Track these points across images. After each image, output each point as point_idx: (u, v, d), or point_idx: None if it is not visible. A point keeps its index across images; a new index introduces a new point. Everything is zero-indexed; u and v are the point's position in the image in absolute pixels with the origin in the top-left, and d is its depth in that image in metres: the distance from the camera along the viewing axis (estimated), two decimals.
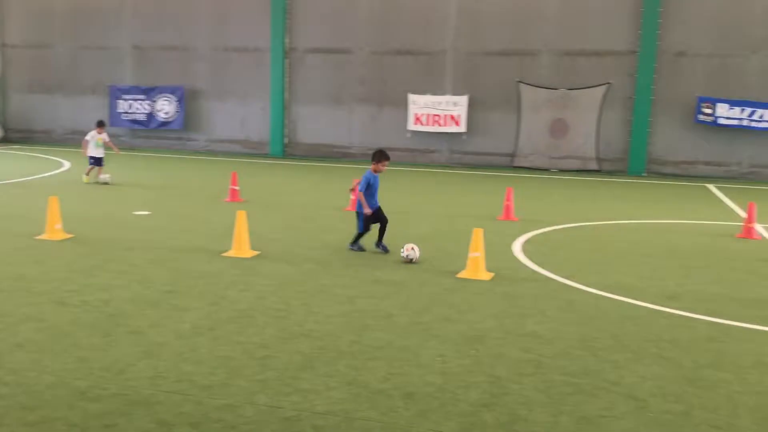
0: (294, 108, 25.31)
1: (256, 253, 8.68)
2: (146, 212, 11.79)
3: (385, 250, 8.95)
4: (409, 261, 8.41)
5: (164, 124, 25.89)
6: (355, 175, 16.77)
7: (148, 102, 25.94)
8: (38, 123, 27.25)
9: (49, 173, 17.19)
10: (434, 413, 4.24)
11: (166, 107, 25.80)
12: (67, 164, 19.24)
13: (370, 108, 24.60)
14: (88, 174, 15.44)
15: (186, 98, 25.79)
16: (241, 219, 8.68)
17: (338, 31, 24.43)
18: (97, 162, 15.43)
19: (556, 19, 22.44)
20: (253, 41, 25.20)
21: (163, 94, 25.83)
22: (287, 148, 25.52)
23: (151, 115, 25.93)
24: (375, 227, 9.07)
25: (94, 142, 15.47)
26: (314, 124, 25.15)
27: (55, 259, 8.18)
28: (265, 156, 25.37)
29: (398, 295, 6.95)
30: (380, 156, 9.07)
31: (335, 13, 24.39)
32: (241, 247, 8.63)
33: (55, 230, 9.30)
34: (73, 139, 26.13)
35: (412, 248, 8.45)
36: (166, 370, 4.84)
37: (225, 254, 8.57)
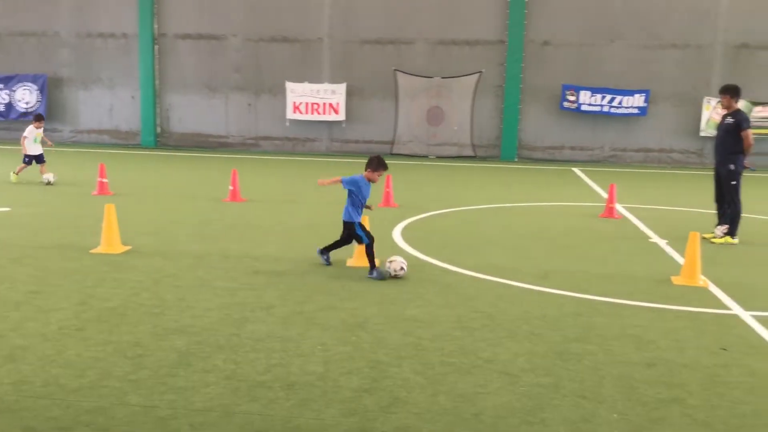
0: (166, 96, 24.44)
1: (127, 248, 8.32)
2: (6, 208, 11.03)
3: (327, 262, 7.79)
4: (395, 275, 7.30)
5: (25, 114, 24.28)
6: (234, 165, 16.44)
7: (6, 91, 24.25)
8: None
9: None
10: (315, 402, 4.24)
11: (26, 97, 24.21)
12: None
13: (246, 96, 24.16)
14: (18, 173, 14.09)
15: (48, 87, 24.29)
16: (110, 213, 8.29)
17: (210, 17, 23.78)
18: (37, 159, 14.07)
19: (429, 9, 22.89)
20: (119, 27, 24.10)
21: (23, 83, 24.22)
22: (160, 138, 24.64)
23: (9, 105, 24.25)
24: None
25: (33, 138, 14.05)
26: (188, 113, 24.42)
27: None
28: (137, 146, 24.38)
29: (279, 286, 6.89)
30: (378, 164, 7.56)
31: None
32: (111, 243, 8.24)
33: None
34: None
35: (402, 267, 7.28)
36: (32, 374, 4.56)
37: (94, 251, 8.16)
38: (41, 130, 14.32)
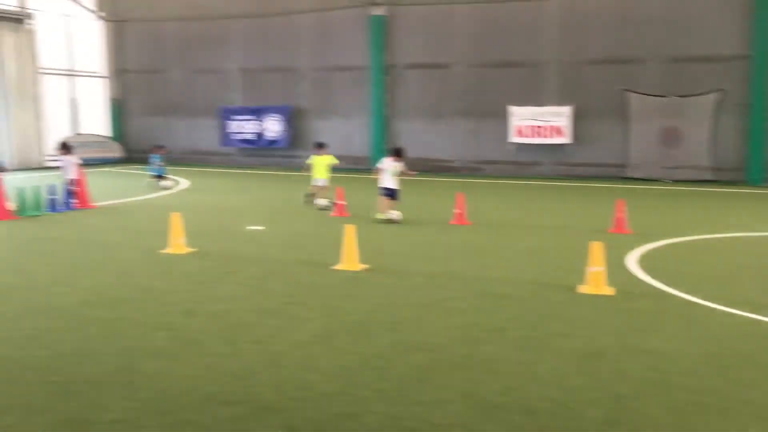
0: (395, 123, 25.63)
1: (365, 266, 8.82)
2: (260, 227, 12.20)
3: None
4: None
5: (272, 142, 26.97)
6: (459, 188, 16.73)
7: (258, 122, 27.07)
8: (156, 144, 28.76)
9: (168, 191, 18.13)
10: (557, 431, 4.19)
11: (274, 126, 26.88)
12: (185, 182, 20.26)
13: (469, 121, 24.62)
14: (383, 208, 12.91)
15: (292, 117, 26.67)
16: (350, 233, 8.87)
17: (436, 47, 24.65)
18: (388, 193, 12.73)
19: (661, 25, 21.70)
20: (351, 59, 25.83)
21: (270, 114, 26.89)
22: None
23: (260, 135, 27.07)
24: None
25: (392, 170, 12.75)
26: (415, 139, 25.36)
27: (180, 271, 8.63)
28: (366, 171, 25.76)
29: (509, 309, 6.90)
30: None
31: (432, 28, 24.65)
32: (350, 261, 8.81)
33: (178, 244, 9.83)
34: (189, 159, 27.72)
35: None
36: (290, 378, 5.02)
37: (334, 267, 8.77)
38: (398, 163, 12.86)
